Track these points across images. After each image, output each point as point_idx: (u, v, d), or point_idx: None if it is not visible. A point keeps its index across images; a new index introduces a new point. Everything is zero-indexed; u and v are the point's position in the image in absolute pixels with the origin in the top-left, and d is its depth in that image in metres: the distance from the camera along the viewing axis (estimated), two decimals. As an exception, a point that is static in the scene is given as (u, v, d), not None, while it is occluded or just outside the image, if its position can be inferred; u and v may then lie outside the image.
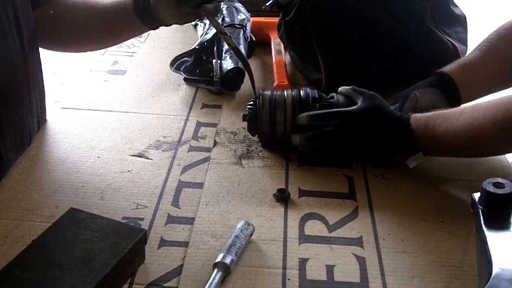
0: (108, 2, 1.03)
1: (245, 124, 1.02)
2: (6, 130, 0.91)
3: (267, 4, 1.23)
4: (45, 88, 1.05)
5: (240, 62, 1.16)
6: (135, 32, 1.07)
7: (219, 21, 1.28)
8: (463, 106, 0.89)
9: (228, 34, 1.02)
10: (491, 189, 0.74)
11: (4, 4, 0.90)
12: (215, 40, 1.23)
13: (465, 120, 0.86)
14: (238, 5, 1.38)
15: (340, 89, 1.01)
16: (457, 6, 1.29)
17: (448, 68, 1.05)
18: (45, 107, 1.06)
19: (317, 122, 0.96)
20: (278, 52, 1.33)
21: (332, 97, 1.00)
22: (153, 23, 1.02)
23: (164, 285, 0.74)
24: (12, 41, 0.91)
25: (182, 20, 1.01)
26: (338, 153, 0.98)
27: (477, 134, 0.85)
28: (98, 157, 0.98)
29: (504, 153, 0.84)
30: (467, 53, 1.18)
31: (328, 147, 0.97)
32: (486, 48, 1.05)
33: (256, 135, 1.02)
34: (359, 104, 0.96)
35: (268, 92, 1.00)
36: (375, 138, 0.95)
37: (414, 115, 0.93)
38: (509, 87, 1.08)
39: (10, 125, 0.92)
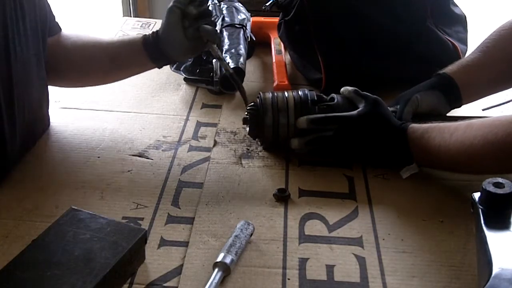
0: (116, 37, 1.03)
1: (245, 125, 1.02)
2: (14, 133, 0.92)
3: (267, 4, 1.23)
4: (49, 93, 1.06)
5: (240, 62, 1.17)
6: (141, 67, 1.04)
7: (220, 21, 1.29)
8: (458, 122, 0.89)
9: (225, 60, 1.02)
10: (491, 189, 0.74)
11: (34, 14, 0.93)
12: (215, 40, 1.23)
13: (457, 138, 0.87)
14: (238, 5, 1.38)
15: (342, 89, 1.00)
16: (457, 6, 1.29)
17: (449, 69, 1.05)
18: (48, 112, 1.07)
19: (316, 126, 0.96)
20: (278, 52, 1.33)
21: (333, 99, 1.00)
22: (160, 59, 1.01)
23: (164, 285, 0.74)
24: (26, 51, 0.93)
25: (188, 50, 0.99)
26: (336, 156, 0.99)
27: (468, 153, 0.86)
28: (98, 157, 0.98)
29: (495, 173, 0.85)
30: (468, 53, 1.18)
31: (326, 151, 0.97)
32: (487, 49, 1.05)
33: (257, 138, 1.02)
34: (360, 109, 0.95)
35: (269, 95, 1.00)
36: (372, 145, 0.95)
37: (411, 125, 0.93)
38: (510, 87, 1.07)
39: (19, 128, 0.93)
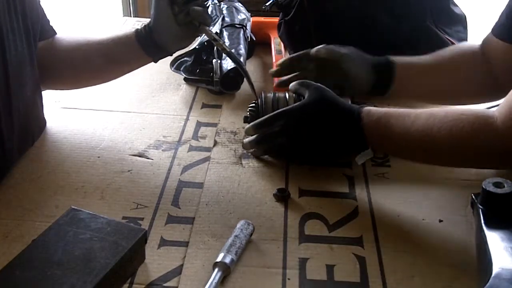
0: (109, 34, 1.03)
1: (245, 124, 1.02)
2: (12, 132, 0.92)
3: (267, 4, 1.23)
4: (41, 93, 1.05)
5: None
6: (136, 62, 1.04)
7: (220, 21, 1.29)
8: (418, 110, 0.87)
9: (220, 40, 1.01)
10: (491, 189, 0.74)
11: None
12: (215, 40, 1.23)
13: (418, 127, 0.85)
14: (238, 5, 1.38)
15: (290, 86, 0.99)
16: (457, 6, 1.29)
17: (396, 57, 1.03)
18: (43, 111, 1.07)
19: (264, 129, 0.95)
20: (278, 52, 1.33)
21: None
22: (155, 51, 1.00)
23: (164, 285, 0.74)
24: (21, 51, 0.93)
25: (181, 37, 0.98)
26: (290, 153, 0.97)
27: (431, 144, 0.85)
28: (98, 157, 0.98)
29: (456, 167, 0.84)
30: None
31: (279, 148, 0.96)
32: (438, 60, 1.04)
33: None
34: (303, 100, 0.94)
35: (270, 95, 1.00)
36: (324, 132, 0.93)
37: (366, 108, 0.91)
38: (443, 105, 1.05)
39: (16, 127, 0.93)
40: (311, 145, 0.95)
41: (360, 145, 0.91)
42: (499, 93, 0.97)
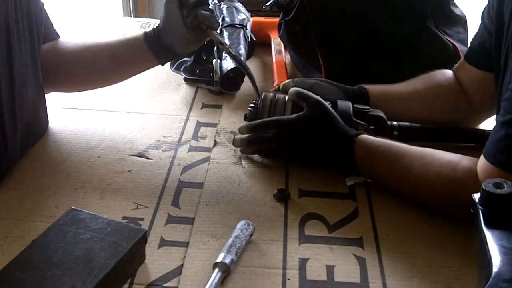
0: (117, 37, 1.04)
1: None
2: (15, 133, 0.92)
3: (267, 4, 1.23)
4: (45, 95, 1.05)
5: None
6: (143, 64, 1.04)
7: (219, 21, 1.29)
8: (412, 151, 0.87)
9: (226, 44, 1.02)
10: (491, 189, 0.74)
11: (21, 12, 0.92)
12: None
13: (402, 166, 0.86)
14: (238, 5, 1.38)
15: (289, 93, 0.98)
16: (457, 7, 1.29)
17: (371, 86, 1.04)
18: (46, 113, 1.07)
19: (256, 132, 0.96)
20: (278, 52, 1.33)
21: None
22: (163, 53, 1.00)
23: (164, 285, 0.74)
24: (24, 51, 0.93)
25: (189, 40, 0.99)
26: (279, 156, 0.98)
27: (415, 186, 0.86)
28: (98, 157, 0.98)
29: (436, 210, 0.86)
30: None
31: (268, 152, 0.98)
32: (413, 92, 1.05)
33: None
34: (300, 113, 0.94)
35: (270, 96, 1.00)
36: (314, 150, 0.94)
37: (360, 137, 0.91)
38: None
39: (19, 128, 0.93)
40: (300, 158, 0.97)
41: (350, 168, 0.93)
42: (474, 116, 1.05)
